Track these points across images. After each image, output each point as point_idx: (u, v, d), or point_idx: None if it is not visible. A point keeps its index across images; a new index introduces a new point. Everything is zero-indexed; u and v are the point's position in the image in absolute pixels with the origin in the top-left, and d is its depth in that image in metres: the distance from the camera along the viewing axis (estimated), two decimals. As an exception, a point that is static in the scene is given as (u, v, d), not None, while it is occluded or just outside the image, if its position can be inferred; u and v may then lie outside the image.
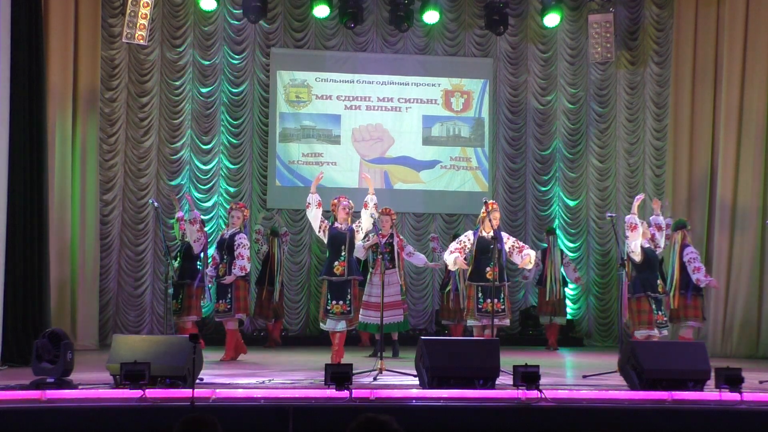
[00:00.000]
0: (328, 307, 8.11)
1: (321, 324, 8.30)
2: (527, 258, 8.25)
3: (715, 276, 10.54)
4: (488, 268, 8.16)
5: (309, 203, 8.24)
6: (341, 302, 8.09)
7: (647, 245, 8.37)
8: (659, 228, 8.68)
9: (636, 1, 12.39)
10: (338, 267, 8.16)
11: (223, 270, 8.98)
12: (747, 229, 10.43)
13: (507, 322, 8.44)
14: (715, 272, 10.54)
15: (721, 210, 10.62)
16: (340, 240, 8.21)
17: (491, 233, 8.24)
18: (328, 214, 8.54)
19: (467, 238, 8.27)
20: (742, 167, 10.51)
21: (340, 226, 8.32)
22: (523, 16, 12.66)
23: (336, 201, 8.45)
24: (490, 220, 8.21)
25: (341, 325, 8.13)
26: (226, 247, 8.99)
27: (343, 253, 8.18)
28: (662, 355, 6.38)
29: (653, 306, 8.22)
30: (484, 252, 8.22)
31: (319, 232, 8.32)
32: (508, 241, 8.33)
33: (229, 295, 8.92)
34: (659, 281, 8.41)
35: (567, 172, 12.60)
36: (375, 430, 2.98)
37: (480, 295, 8.19)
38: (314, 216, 8.27)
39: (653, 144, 12.26)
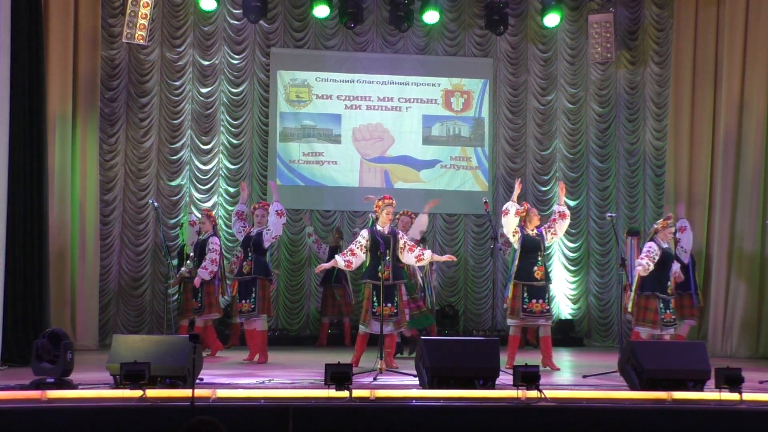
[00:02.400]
0: (374, 310, 7.94)
1: (362, 326, 8.09)
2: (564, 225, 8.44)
3: (716, 276, 10.57)
4: (535, 268, 8.23)
5: (350, 262, 8.08)
6: (389, 305, 7.96)
7: (665, 245, 8.31)
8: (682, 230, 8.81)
9: (636, 1, 12.39)
10: (383, 271, 7.95)
11: (248, 268, 8.80)
12: (747, 229, 10.42)
13: (550, 322, 8.47)
14: (716, 272, 10.56)
15: (721, 209, 10.62)
16: (384, 244, 8.02)
17: (535, 231, 8.30)
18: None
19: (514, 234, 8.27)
20: (742, 167, 10.50)
21: (382, 229, 8.10)
22: (523, 16, 12.66)
23: (381, 202, 8.13)
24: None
25: (389, 328, 8.00)
26: (252, 245, 8.82)
27: (387, 257, 7.99)
28: (662, 355, 6.39)
29: (661, 305, 8.19)
30: (531, 251, 8.25)
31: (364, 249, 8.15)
32: (548, 234, 8.40)
33: (254, 295, 8.74)
34: (669, 282, 8.35)
35: (567, 172, 12.60)
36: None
37: (526, 294, 8.20)
38: (357, 262, 8.11)
39: (653, 144, 12.27)
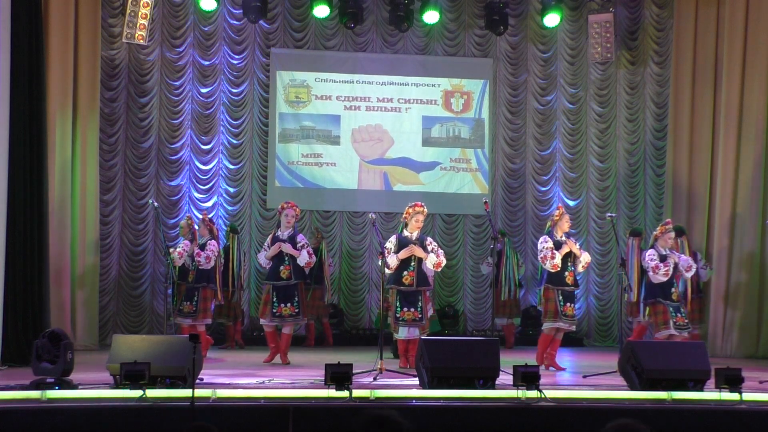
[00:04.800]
0: (398, 315, 8.04)
1: (394, 334, 8.16)
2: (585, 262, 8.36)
3: (715, 276, 10.57)
4: (566, 273, 8.26)
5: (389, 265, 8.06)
6: (412, 309, 8.03)
7: (665, 252, 8.31)
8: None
9: (636, 1, 12.39)
10: (407, 277, 8.06)
11: (287, 272, 8.68)
12: (747, 229, 10.42)
13: (574, 327, 8.53)
14: (716, 272, 10.55)
15: (721, 210, 10.62)
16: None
17: (564, 237, 8.32)
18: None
19: (546, 241, 8.23)
20: (742, 167, 10.51)
21: (410, 235, 8.17)
22: (523, 16, 12.65)
23: (411, 209, 8.20)
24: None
25: (413, 332, 8.02)
26: None
27: (412, 263, 8.08)
28: (662, 355, 6.39)
29: (670, 310, 8.18)
30: (563, 256, 8.24)
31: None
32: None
33: (296, 299, 8.67)
34: (673, 289, 8.31)
35: (567, 172, 12.60)
36: (380, 425, 2.98)
37: (561, 298, 8.23)
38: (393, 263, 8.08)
39: (653, 144, 12.26)
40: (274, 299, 8.65)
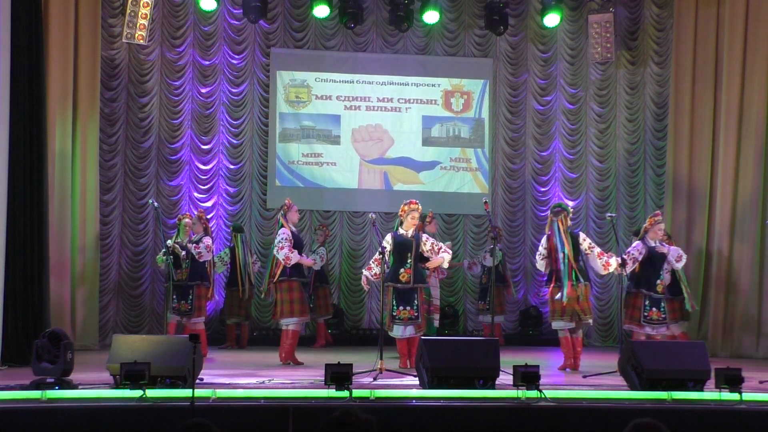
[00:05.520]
0: (395, 314, 8.03)
1: (389, 332, 8.12)
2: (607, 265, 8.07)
3: (715, 276, 10.56)
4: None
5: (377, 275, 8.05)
6: (408, 308, 8.03)
7: (653, 244, 8.36)
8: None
9: (636, 1, 12.38)
10: (404, 274, 8.05)
11: (305, 271, 9.00)
12: (747, 229, 10.42)
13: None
14: (716, 272, 10.56)
15: (721, 209, 10.62)
16: (406, 247, 8.08)
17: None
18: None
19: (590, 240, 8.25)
20: (742, 167, 10.51)
21: (405, 232, 8.17)
22: (523, 16, 12.65)
23: (406, 207, 8.22)
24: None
25: (409, 330, 8.04)
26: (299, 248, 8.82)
27: (408, 261, 8.08)
28: (662, 355, 6.39)
29: (646, 303, 8.22)
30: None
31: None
32: (587, 248, 8.18)
33: (312, 298, 8.95)
34: (659, 281, 8.36)
35: (567, 172, 12.59)
36: (344, 423, 2.98)
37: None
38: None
39: (653, 144, 12.26)
40: (305, 296, 8.80)
